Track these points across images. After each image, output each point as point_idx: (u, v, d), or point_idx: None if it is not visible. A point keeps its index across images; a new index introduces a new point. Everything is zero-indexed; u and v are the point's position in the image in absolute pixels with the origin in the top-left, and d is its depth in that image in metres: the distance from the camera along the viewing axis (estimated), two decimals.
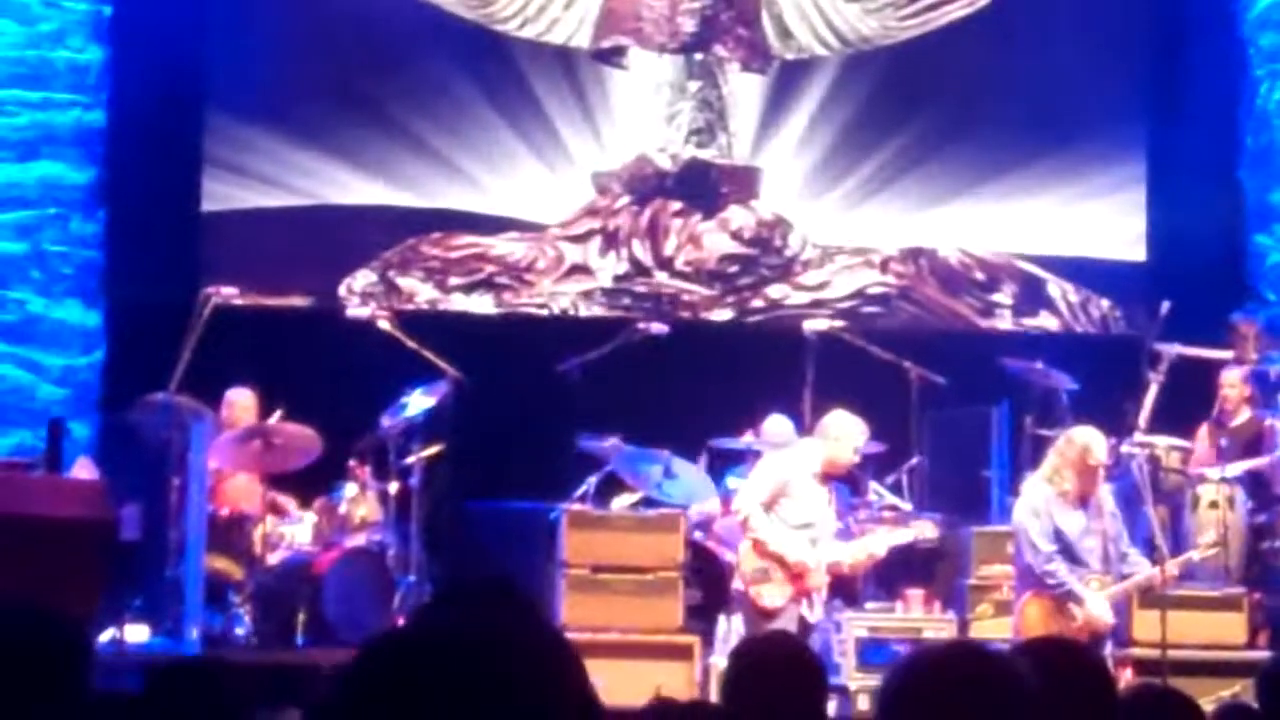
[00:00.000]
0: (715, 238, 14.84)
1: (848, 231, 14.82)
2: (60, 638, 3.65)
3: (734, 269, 14.83)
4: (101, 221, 13.73)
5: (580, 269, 14.61)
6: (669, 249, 14.79)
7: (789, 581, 10.55)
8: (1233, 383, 12.84)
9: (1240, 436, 12.64)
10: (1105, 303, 14.84)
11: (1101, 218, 14.88)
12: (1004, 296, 14.90)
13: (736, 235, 14.86)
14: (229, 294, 11.84)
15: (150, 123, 13.55)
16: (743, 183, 14.88)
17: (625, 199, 14.77)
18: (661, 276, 14.69)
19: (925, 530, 11.56)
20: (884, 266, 14.85)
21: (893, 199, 14.77)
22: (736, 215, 14.89)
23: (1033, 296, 14.91)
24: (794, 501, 10.66)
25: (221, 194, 13.99)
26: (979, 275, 14.93)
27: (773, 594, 10.55)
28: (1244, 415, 12.79)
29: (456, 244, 14.43)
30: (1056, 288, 14.92)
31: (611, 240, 14.73)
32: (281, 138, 14.07)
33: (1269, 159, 14.93)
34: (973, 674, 2.87)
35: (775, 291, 14.71)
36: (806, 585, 10.55)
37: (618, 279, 14.63)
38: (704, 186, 14.90)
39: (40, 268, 13.60)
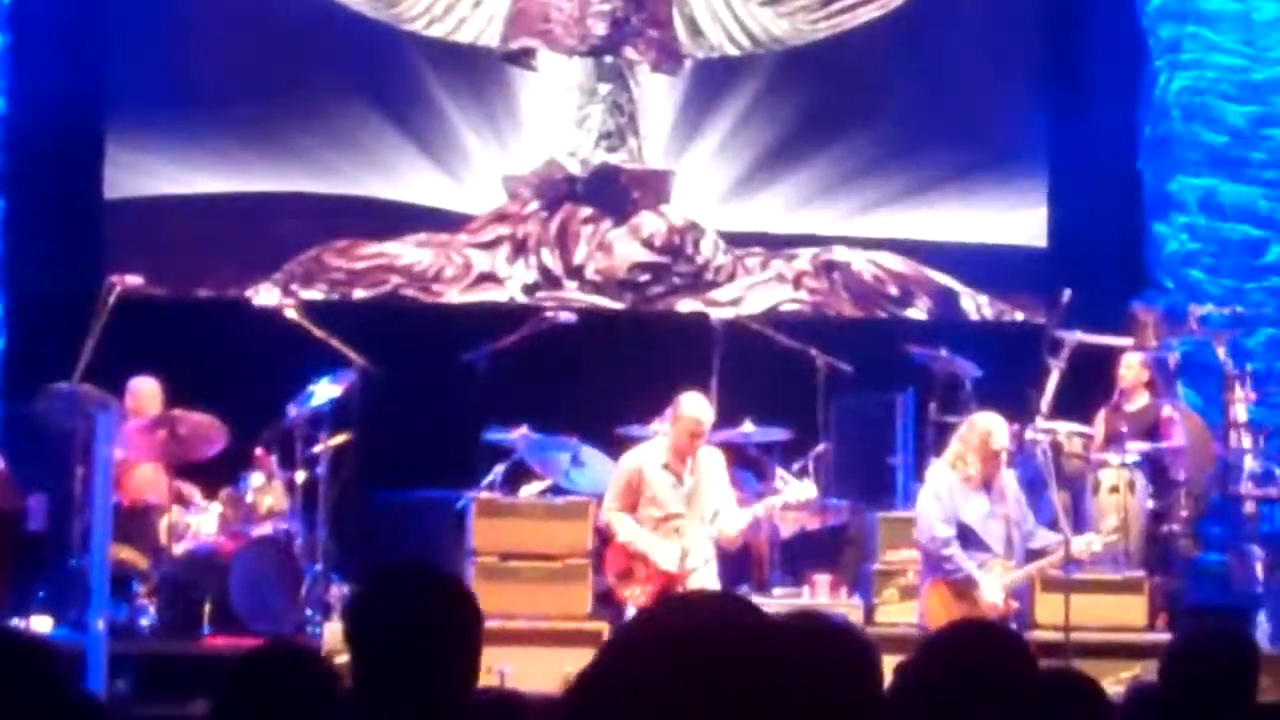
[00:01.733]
0: (626, 245, 14.78)
1: (756, 227, 14.80)
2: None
3: (645, 278, 14.75)
4: (1, 210, 13.60)
5: (488, 277, 14.53)
6: (579, 257, 14.72)
7: (652, 578, 10.71)
8: (1130, 365, 12.99)
9: (1138, 421, 12.77)
10: (1020, 315, 14.87)
11: (1003, 206, 14.97)
12: (918, 311, 14.88)
13: (647, 243, 14.80)
14: (133, 282, 11.75)
15: (51, 110, 13.42)
16: (654, 187, 14.83)
17: (534, 204, 14.71)
18: (571, 286, 14.58)
19: (800, 492, 11.57)
20: (797, 282, 14.83)
21: (798, 192, 14.77)
22: (647, 221, 14.82)
23: (947, 310, 14.93)
24: (652, 497, 10.80)
25: (124, 182, 13.88)
26: (892, 290, 14.95)
27: (636, 594, 10.71)
28: (1141, 400, 12.94)
29: (361, 253, 14.32)
30: (971, 301, 14.98)
31: (520, 248, 14.65)
32: (185, 125, 13.97)
33: (1167, 149, 15.09)
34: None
35: (686, 307, 14.61)
36: (674, 579, 10.72)
37: (526, 288, 14.52)
38: (614, 192, 14.82)
39: None
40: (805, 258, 14.86)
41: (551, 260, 14.68)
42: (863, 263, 14.91)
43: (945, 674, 3.47)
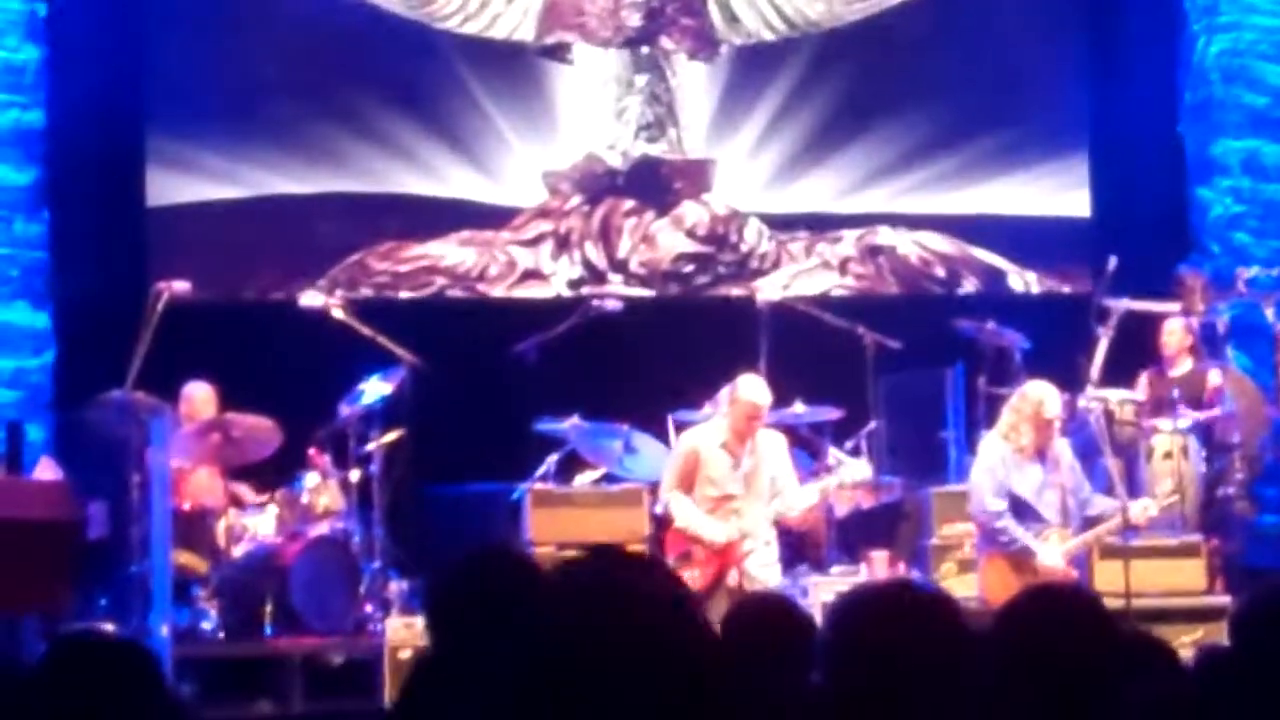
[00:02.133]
0: (669, 236, 14.75)
1: (798, 209, 14.77)
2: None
3: (690, 268, 14.72)
4: (45, 221, 13.66)
5: (533, 274, 14.53)
6: (622, 250, 14.69)
7: (710, 560, 10.72)
8: (1172, 330, 12.96)
9: (1184, 387, 12.74)
10: (1067, 288, 14.81)
11: (1046, 178, 14.93)
12: (965, 288, 14.88)
13: (691, 233, 14.77)
14: (181, 289, 11.77)
15: (90, 120, 13.48)
16: (695, 177, 14.79)
17: (576, 199, 14.69)
18: (616, 280, 14.52)
19: (855, 471, 11.57)
20: (843, 268, 14.80)
21: (841, 176, 14.72)
22: (690, 211, 14.78)
23: (995, 287, 14.90)
24: (708, 479, 10.80)
25: (166, 189, 13.92)
26: (939, 271, 14.91)
27: (694, 576, 10.72)
28: (1185, 365, 12.92)
29: (405, 256, 14.33)
30: (1019, 278, 14.94)
31: (563, 243, 14.64)
32: (225, 130, 14.01)
33: (1207, 113, 15.03)
34: (912, 610, 3.03)
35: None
36: (730, 559, 10.71)
37: (571, 284, 14.47)
38: (655, 183, 14.77)
39: None
40: (850, 241, 14.80)
41: (595, 254, 14.66)
42: (908, 245, 14.86)
43: (1021, 640, 3.49)
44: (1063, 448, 11.12)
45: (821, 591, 11.25)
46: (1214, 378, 12.81)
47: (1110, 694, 3.51)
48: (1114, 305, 12.92)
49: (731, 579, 10.62)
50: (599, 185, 14.71)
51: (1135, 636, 4.96)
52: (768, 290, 13.44)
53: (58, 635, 4.18)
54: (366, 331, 11.93)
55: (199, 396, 12.13)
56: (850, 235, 14.80)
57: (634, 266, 14.64)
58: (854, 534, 12.29)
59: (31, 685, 3.74)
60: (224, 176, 14.00)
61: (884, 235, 14.83)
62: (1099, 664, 3.50)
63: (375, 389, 11.82)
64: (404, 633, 10.77)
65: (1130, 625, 8.30)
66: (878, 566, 11.73)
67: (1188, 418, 12.39)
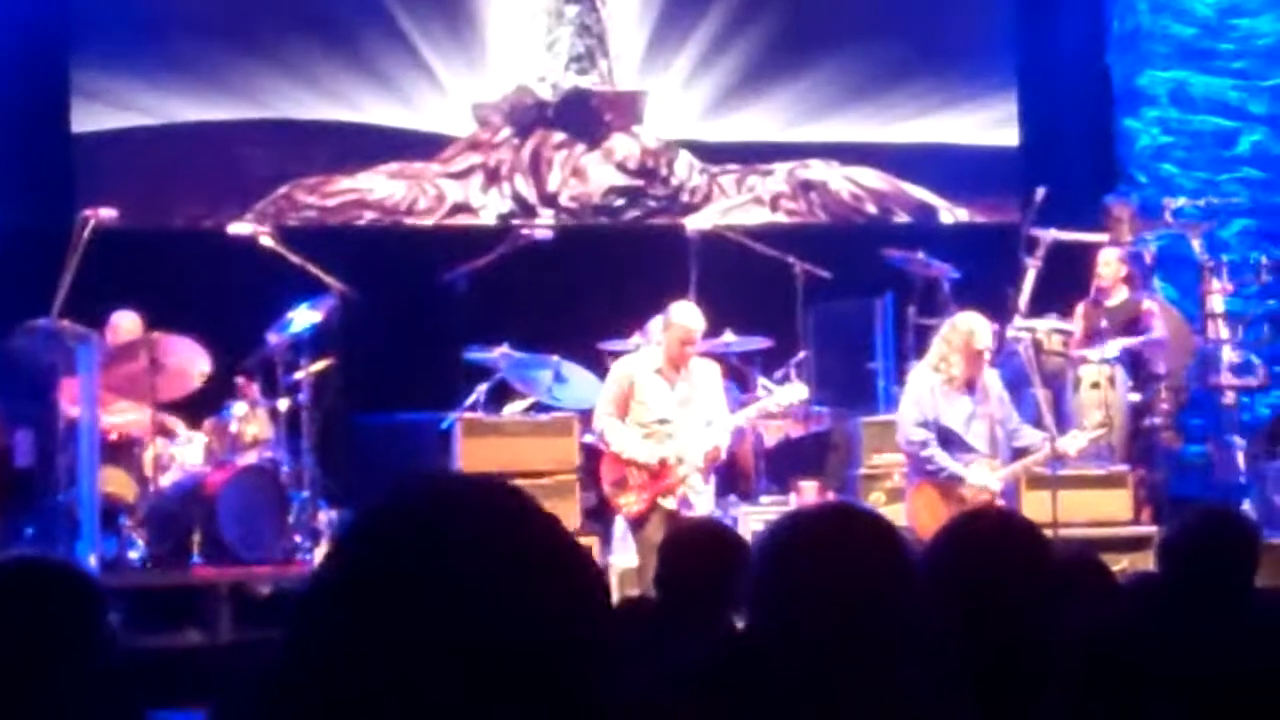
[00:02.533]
0: (600, 169, 14.72)
1: (731, 139, 14.75)
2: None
3: (620, 202, 14.72)
4: None
5: (462, 208, 14.48)
6: (553, 184, 14.65)
7: (646, 485, 10.70)
8: (1108, 261, 13.01)
9: (1118, 316, 12.80)
10: (995, 220, 14.80)
11: (974, 107, 14.96)
12: (897, 222, 14.90)
13: (621, 166, 14.74)
14: (108, 216, 11.65)
15: (14, 50, 13.37)
16: (626, 109, 14.76)
17: (506, 131, 14.63)
18: (546, 214, 14.48)
19: (792, 393, 11.58)
20: (774, 204, 14.83)
21: (774, 107, 14.72)
22: (620, 144, 14.76)
23: (925, 221, 14.92)
24: (642, 402, 10.79)
25: (91, 116, 13.81)
26: (870, 208, 14.96)
27: (630, 501, 10.72)
28: (1121, 295, 12.97)
29: (332, 189, 14.26)
30: (949, 214, 14.98)
31: (493, 176, 14.58)
32: (149, 62, 13.87)
33: (1135, 43, 15.10)
34: (853, 533, 2.90)
35: None
36: (666, 483, 10.69)
37: (501, 217, 14.41)
38: (586, 116, 14.73)
39: None
40: (781, 175, 14.82)
41: (525, 188, 14.62)
42: (840, 180, 14.88)
43: (964, 561, 3.49)
44: (992, 378, 11.17)
45: (751, 521, 11.29)
46: (1147, 305, 12.87)
47: (1048, 617, 3.51)
48: (1042, 236, 12.99)
49: (668, 504, 10.62)
50: (529, 117, 14.65)
51: (1072, 557, 5.00)
52: (698, 220, 13.42)
53: None
54: (295, 259, 11.85)
55: (125, 325, 12.03)
56: (782, 169, 14.80)
57: (564, 200, 14.60)
58: (783, 464, 12.34)
59: None
60: (148, 108, 13.88)
61: (816, 170, 14.83)
62: (1035, 587, 3.50)
63: (304, 317, 11.75)
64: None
65: (1067, 545, 8.38)
66: (807, 496, 11.78)
67: (1115, 345, 12.44)
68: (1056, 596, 3.62)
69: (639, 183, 14.72)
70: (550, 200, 14.57)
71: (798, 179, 14.81)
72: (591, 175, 14.68)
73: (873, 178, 14.88)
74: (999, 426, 11.03)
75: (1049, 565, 3.54)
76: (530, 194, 14.56)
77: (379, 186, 14.33)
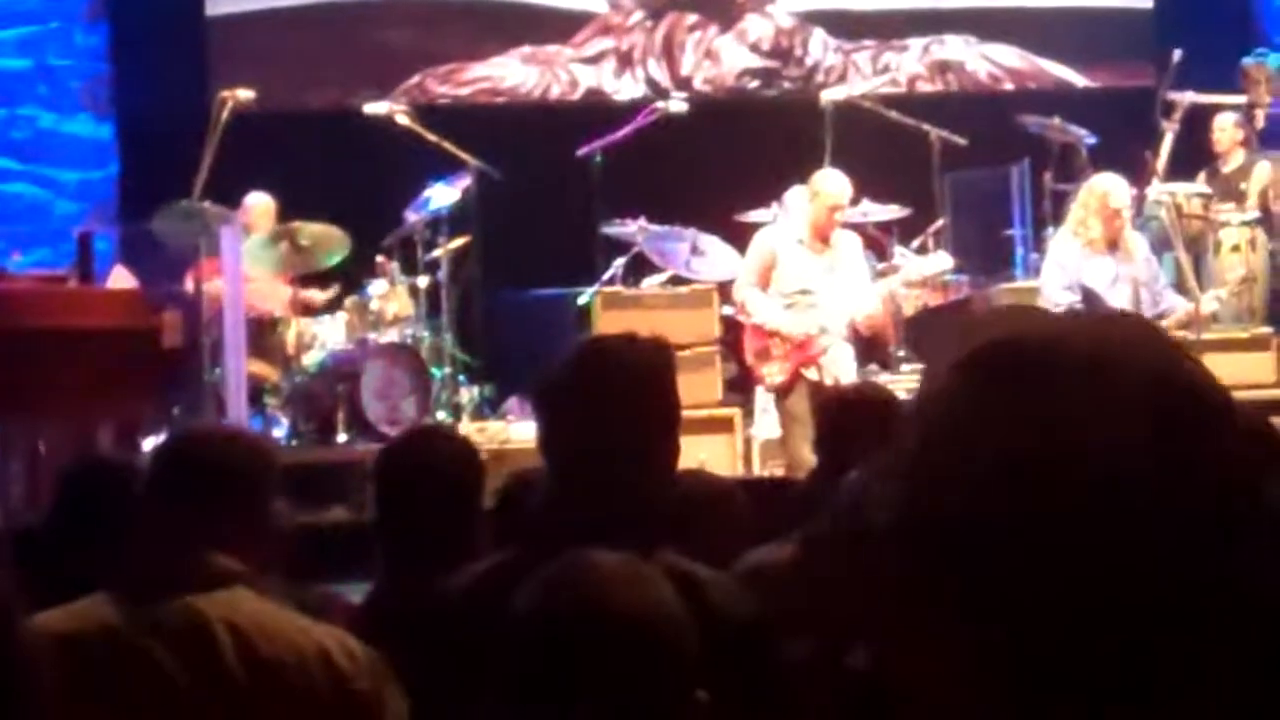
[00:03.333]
0: (734, 50, 14.63)
1: (865, 8, 14.64)
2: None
3: (754, 84, 14.64)
4: (104, 33, 13.62)
5: (595, 93, 14.45)
6: (686, 68, 14.56)
7: (789, 355, 10.67)
8: (1223, 126, 12.86)
9: (1236, 180, 12.66)
10: (1131, 83, 14.65)
11: None
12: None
13: (755, 47, 14.64)
14: (245, 98, 11.72)
15: None
16: None
17: (638, 14, 14.54)
18: (679, 98, 14.37)
19: (935, 263, 11.51)
20: (910, 85, 14.73)
21: None
22: (754, 25, 14.65)
23: (1062, 91, 14.73)
24: (784, 273, 10.75)
25: None
26: (1008, 86, 14.85)
27: (773, 371, 10.69)
28: (1237, 160, 12.82)
29: (465, 78, 14.26)
30: (1086, 82, 14.84)
31: (626, 61, 14.51)
32: None
33: None
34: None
35: None
36: (809, 353, 10.65)
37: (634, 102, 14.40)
38: None
39: (47, 83, 13.52)
40: (916, 51, 14.69)
41: (659, 71, 14.55)
42: (977, 60, 14.77)
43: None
44: (1137, 241, 11.09)
45: (893, 390, 11.24)
46: (1260, 171, 12.67)
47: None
48: (1179, 99, 12.84)
49: (810, 374, 10.61)
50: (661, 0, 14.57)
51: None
52: (833, 91, 13.34)
53: (180, 431, 4.21)
54: (432, 138, 11.89)
55: (258, 207, 12.13)
56: (917, 44, 14.68)
57: (698, 84, 14.51)
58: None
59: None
60: None
61: (951, 47, 14.72)
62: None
63: (441, 195, 11.80)
64: (477, 438, 10.80)
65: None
66: None
67: (1255, 209, 12.30)
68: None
69: (774, 64, 14.64)
70: (684, 84, 14.45)
71: (933, 60, 14.68)
72: (725, 57, 14.60)
73: (1010, 55, 14.74)
74: (1144, 289, 10.95)
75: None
76: (663, 78, 14.48)
77: (511, 73, 14.32)
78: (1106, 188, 11.01)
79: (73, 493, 4.72)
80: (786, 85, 14.60)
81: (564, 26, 14.40)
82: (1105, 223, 10.94)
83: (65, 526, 4.60)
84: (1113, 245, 10.93)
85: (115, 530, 3.98)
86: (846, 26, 14.65)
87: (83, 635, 3.38)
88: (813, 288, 10.70)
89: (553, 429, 3.64)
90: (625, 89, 14.42)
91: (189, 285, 11.41)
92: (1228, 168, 12.77)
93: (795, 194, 11.84)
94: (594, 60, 14.44)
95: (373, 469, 4.85)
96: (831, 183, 10.83)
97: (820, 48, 14.64)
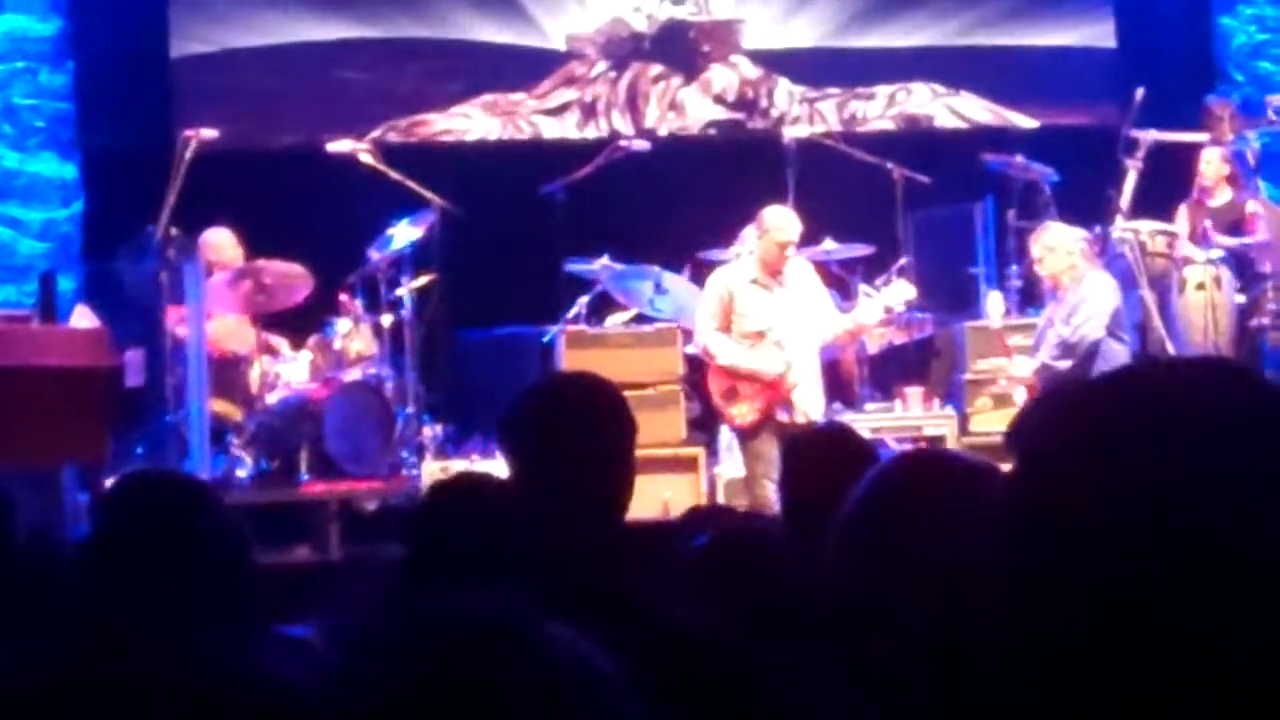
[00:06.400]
0: (698, 102, 14.61)
1: (827, 45, 14.66)
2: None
3: (719, 136, 14.60)
4: (70, 72, 13.62)
5: (558, 144, 14.43)
6: (650, 119, 14.49)
7: (759, 394, 10.64)
8: (1210, 160, 12.91)
9: (1222, 217, 12.71)
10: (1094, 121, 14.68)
11: (1071, 6, 14.84)
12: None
13: (720, 98, 14.62)
14: (209, 136, 11.71)
15: None
16: (723, 39, 14.62)
17: (602, 65, 14.55)
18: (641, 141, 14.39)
19: (900, 293, 11.50)
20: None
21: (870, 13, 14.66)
22: (718, 76, 14.61)
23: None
24: (743, 313, 10.73)
25: (190, 38, 13.86)
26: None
27: (743, 411, 10.65)
28: (1224, 195, 12.87)
29: (427, 132, 14.22)
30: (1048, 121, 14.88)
31: (590, 111, 14.49)
32: None
33: None
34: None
35: None
36: (780, 392, 10.63)
37: None
38: (683, 47, 14.59)
39: (11, 122, 13.49)
40: (882, 100, 14.66)
41: (622, 123, 14.48)
42: (945, 115, 14.72)
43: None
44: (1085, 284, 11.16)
45: (857, 429, 11.24)
46: (1252, 206, 12.75)
47: None
48: (1142, 137, 12.87)
49: (782, 414, 10.57)
50: (624, 50, 14.54)
51: None
52: (795, 129, 13.36)
53: (127, 474, 4.18)
54: (395, 176, 11.89)
55: (219, 242, 12.06)
56: (883, 93, 14.65)
57: (662, 134, 14.43)
58: (887, 371, 12.31)
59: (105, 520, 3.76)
60: (246, 24, 13.91)
61: (918, 97, 14.68)
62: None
63: (405, 233, 11.79)
64: (440, 476, 10.78)
65: None
66: (912, 402, 11.76)
67: (1220, 247, 12.35)
68: None
69: (738, 115, 14.59)
70: (648, 135, 14.37)
71: (902, 113, 14.66)
72: (689, 108, 14.56)
73: (977, 108, 14.72)
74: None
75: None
76: (627, 128, 14.38)
77: (475, 124, 14.29)
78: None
79: None
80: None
81: (527, 70, 14.36)
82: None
83: None
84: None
85: None
86: (811, 73, 14.63)
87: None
88: (772, 325, 10.67)
89: (512, 464, 3.71)
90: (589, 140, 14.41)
91: (165, 323, 11.34)
92: (1214, 202, 12.81)
93: (752, 232, 11.89)
94: (557, 112, 14.40)
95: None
96: (778, 219, 10.80)
97: (785, 98, 14.61)
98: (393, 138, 14.03)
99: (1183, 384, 1.48)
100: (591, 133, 14.38)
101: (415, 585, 4.46)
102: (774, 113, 14.59)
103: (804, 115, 14.58)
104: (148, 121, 13.22)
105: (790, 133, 12.85)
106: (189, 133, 11.73)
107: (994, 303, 12.00)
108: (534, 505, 3.61)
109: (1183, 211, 12.77)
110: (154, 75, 13.68)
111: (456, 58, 14.23)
